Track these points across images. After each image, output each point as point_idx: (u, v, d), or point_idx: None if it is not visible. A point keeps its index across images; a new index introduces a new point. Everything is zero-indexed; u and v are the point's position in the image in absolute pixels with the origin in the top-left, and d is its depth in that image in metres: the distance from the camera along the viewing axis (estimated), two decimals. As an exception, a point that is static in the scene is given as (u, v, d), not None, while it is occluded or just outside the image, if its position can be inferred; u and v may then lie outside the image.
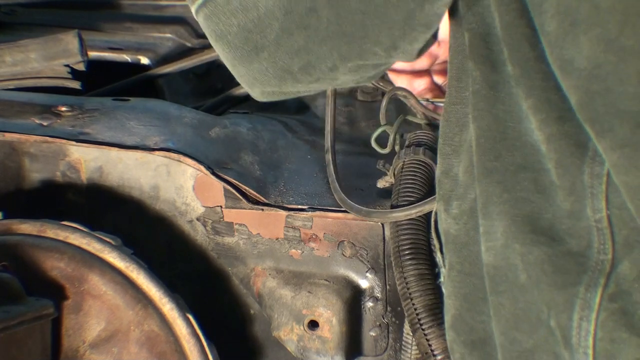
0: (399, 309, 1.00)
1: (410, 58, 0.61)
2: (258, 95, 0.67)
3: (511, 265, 0.58)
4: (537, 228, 0.56)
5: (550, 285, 0.56)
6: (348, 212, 0.96)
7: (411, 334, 0.89)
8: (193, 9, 0.60)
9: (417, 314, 0.85)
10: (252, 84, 0.65)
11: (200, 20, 0.60)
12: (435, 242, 0.76)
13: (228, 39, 0.59)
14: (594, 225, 0.54)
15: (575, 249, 0.55)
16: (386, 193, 0.98)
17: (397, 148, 0.95)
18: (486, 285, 0.62)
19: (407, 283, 0.86)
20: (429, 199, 0.87)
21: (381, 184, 0.98)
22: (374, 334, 1.02)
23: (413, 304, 0.85)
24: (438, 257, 0.74)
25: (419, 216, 0.88)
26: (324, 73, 0.60)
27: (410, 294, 0.86)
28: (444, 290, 0.72)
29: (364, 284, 1.00)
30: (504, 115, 0.57)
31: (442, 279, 0.74)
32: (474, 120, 0.59)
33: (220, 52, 0.62)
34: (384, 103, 0.98)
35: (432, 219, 0.77)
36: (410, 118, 0.97)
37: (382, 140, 0.96)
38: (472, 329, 0.66)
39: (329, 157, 1.00)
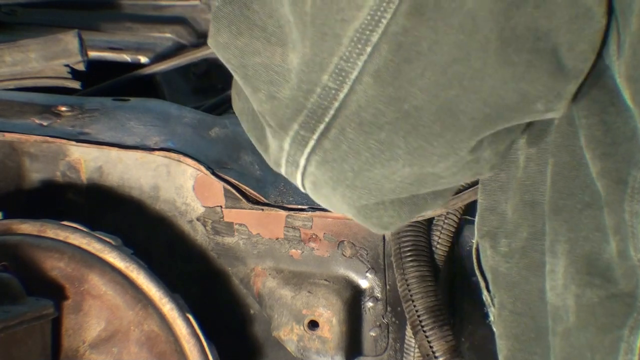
0: (399, 309, 1.00)
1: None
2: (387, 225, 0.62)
3: (567, 306, 0.57)
4: (593, 269, 0.55)
5: (598, 328, 0.55)
6: (348, 212, 0.96)
7: (413, 336, 0.89)
8: (302, 161, 0.55)
9: (419, 316, 0.85)
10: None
11: (312, 170, 0.55)
12: (480, 279, 0.73)
13: (346, 184, 0.55)
14: (638, 265, 0.53)
15: (625, 289, 0.54)
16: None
17: None
18: (548, 325, 0.61)
19: (408, 285, 0.86)
20: None
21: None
22: (374, 334, 1.02)
23: (414, 306, 0.85)
24: (485, 295, 0.72)
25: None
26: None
27: (411, 295, 0.86)
28: (494, 329, 0.70)
29: (364, 284, 1.00)
30: (580, 151, 0.56)
31: (491, 318, 0.71)
32: (552, 156, 0.58)
33: (340, 197, 0.57)
34: None
35: (474, 255, 0.75)
36: None
37: None
38: None
39: None
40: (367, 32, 0.48)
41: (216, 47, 0.58)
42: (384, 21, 0.47)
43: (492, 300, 0.70)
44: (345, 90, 0.51)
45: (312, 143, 0.53)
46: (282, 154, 0.56)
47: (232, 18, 0.56)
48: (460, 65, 0.48)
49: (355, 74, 0.50)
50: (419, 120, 0.51)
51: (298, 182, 0.57)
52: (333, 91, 0.51)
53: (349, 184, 0.54)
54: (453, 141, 0.52)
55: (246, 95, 0.60)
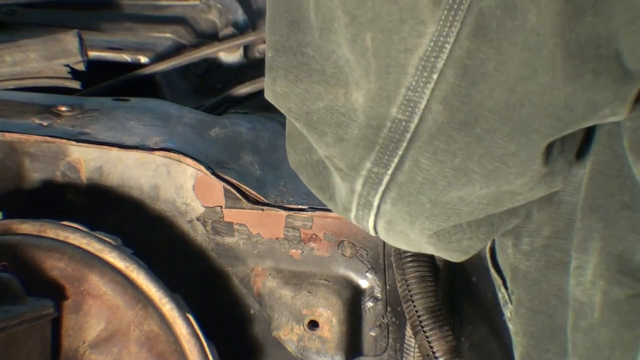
0: (399, 309, 1.00)
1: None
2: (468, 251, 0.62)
3: (593, 302, 0.57)
4: (624, 268, 0.55)
5: (620, 325, 0.55)
6: (348, 212, 0.96)
7: (413, 336, 0.89)
8: (376, 201, 0.54)
9: (419, 316, 0.85)
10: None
11: (387, 208, 0.55)
12: (495, 277, 0.73)
13: (425, 216, 0.55)
14: None
15: None
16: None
17: None
18: (564, 323, 0.61)
19: (408, 285, 0.86)
20: None
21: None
22: (374, 334, 1.02)
23: (414, 306, 0.85)
24: (502, 292, 0.72)
25: None
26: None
27: (411, 296, 0.86)
28: (510, 326, 0.70)
29: (364, 284, 1.00)
30: (623, 152, 0.55)
31: (508, 315, 0.71)
32: (593, 154, 0.58)
33: (418, 230, 0.56)
34: None
35: (488, 254, 0.74)
36: None
37: None
38: None
39: None
40: (432, 59, 0.48)
41: (275, 98, 0.58)
42: (448, 46, 0.47)
43: (509, 297, 0.70)
44: (416, 120, 0.50)
45: (386, 179, 0.53)
46: (352, 197, 0.56)
47: (288, 66, 0.56)
48: (529, 83, 0.48)
49: (424, 103, 0.50)
50: (492, 143, 0.50)
51: (370, 225, 0.56)
52: (403, 123, 0.51)
53: (427, 215, 0.54)
54: (528, 159, 0.52)
55: (303, 147, 0.60)
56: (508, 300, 0.71)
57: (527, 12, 0.46)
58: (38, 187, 1.06)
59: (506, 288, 0.71)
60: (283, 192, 1.00)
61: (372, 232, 0.58)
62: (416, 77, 0.49)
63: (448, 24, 0.46)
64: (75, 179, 1.06)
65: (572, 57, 0.47)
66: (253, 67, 1.35)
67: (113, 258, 0.93)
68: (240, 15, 1.36)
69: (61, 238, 0.93)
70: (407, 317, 0.87)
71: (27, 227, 0.94)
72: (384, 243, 0.99)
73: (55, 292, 0.91)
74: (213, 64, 1.34)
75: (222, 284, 1.06)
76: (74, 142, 0.98)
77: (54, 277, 0.92)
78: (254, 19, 1.39)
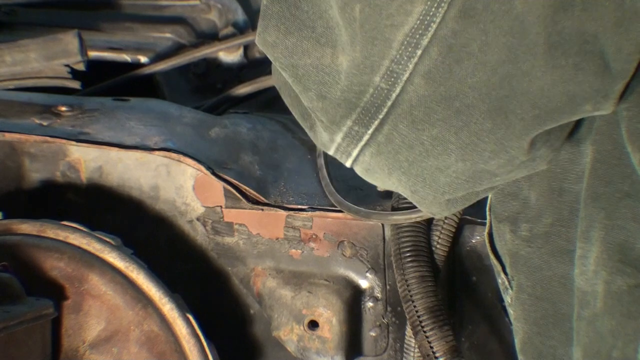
0: (399, 309, 1.00)
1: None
2: (443, 209, 0.63)
3: (595, 292, 0.58)
4: (626, 258, 0.56)
5: (623, 315, 0.56)
6: (348, 212, 0.96)
7: (413, 336, 0.89)
8: (355, 152, 0.57)
9: (419, 316, 0.85)
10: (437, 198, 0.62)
11: (365, 159, 0.58)
12: (494, 262, 0.73)
13: (401, 171, 0.57)
14: None
15: None
16: (386, 193, 0.98)
17: None
18: (568, 311, 0.61)
19: (408, 285, 0.86)
20: None
21: (382, 187, 0.98)
22: (374, 334, 1.02)
23: (414, 306, 0.85)
24: (502, 278, 0.73)
25: None
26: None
27: (411, 296, 0.86)
28: (511, 312, 0.71)
29: (364, 284, 1.00)
30: (622, 141, 0.56)
31: (508, 301, 0.72)
32: (594, 143, 0.59)
33: (396, 181, 0.59)
34: None
35: (487, 239, 0.75)
36: None
37: None
38: (541, 353, 0.65)
39: (321, 161, 1.01)
40: (417, 36, 0.49)
41: (264, 45, 0.59)
42: (434, 25, 0.48)
43: (509, 282, 0.71)
44: (397, 90, 0.52)
45: (366, 137, 0.56)
46: (332, 144, 0.58)
47: (281, 17, 0.57)
48: (510, 67, 0.49)
49: (406, 75, 0.51)
50: (470, 117, 0.52)
51: (348, 165, 0.59)
52: (385, 91, 0.53)
53: (404, 171, 0.57)
54: (503, 139, 0.53)
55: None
56: (508, 286, 0.72)
57: None
58: (38, 187, 1.06)
59: (505, 274, 0.71)
60: (283, 192, 1.00)
61: (347, 167, 0.61)
62: (400, 52, 0.50)
63: (435, 5, 0.48)
64: (75, 179, 1.06)
65: (554, 48, 0.49)
66: (253, 67, 1.35)
67: (113, 258, 0.93)
68: (240, 15, 1.37)
69: (61, 238, 0.93)
70: (407, 317, 0.87)
71: (27, 227, 0.94)
72: (384, 243, 0.99)
73: (55, 292, 0.91)
74: (213, 64, 1.34)
75: (222, 284, 1.06)
76: (74, 142, 0.98)
77: (54, 277, 0.92)
78: (254, 19, 1.39)
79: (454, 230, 0.91)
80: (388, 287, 1.00)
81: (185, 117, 1.06)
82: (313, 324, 0.99)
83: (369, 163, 0.58)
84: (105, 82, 1.23)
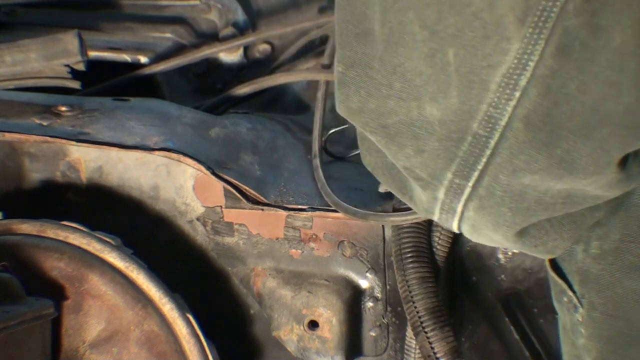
0: (399, 309, 1.00)
1: None
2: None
3: None
4: None
5: None
6: (348, 212, 0.96)
7: (414, 337, 0.89)
8: (459, 208, 0.56)
9: (420, 317, 0.85)
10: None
11: (470, 215, 0.56)
12: (557, 280, 0.72)
13: (506, 225, 0.56)
14: None
15: None
16: (387, 194, 0.98)
17: None
18: None
19: (409, 286, 0.86)
20: None
21: (383, 188, 0.97)
22: (374, 334, 1.02)
23: (415, 307, 0.85)
24: (568, 295, 0.71)
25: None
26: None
27: (412, 297, 0.86)
28: (582, 330, 0.69)
29: (364, 284, 1.00)
30: None
31: (579, 319, 0.70)
32: None
33: (501, 236, 0.57)
34: None
35: (547, 260, 0.74)
36: None
37: None
38: None
39: (316, 162, 1.01)
40: (515, 77, 0.48)
41: (349, 113, 0.58)
42: (532, 64, 0.47)
43: (579, 300, 0.69)
44: (496, 137, 0.51)
45: (467, 190, 0.54)
46: (435, 204, 0.57)
47: (358, 82, 0.56)
48: (611, 103, 0.48)
49: (505, 120, 0.50)
50: (572, 164, 0.51)
51: (454, 227, 0.57)
52: (484, 139, 0.51)
53: (508, 224, 0.55)
54: (606, 172, 0.52)
55: (377, 149, 0.60)
56: (578, 304, 0.69)
57: (612, 31, 0.45)
58: (38, 187, 1.06)
59: (573, 292, 0.69)
60: (283, 192, 1.00)
61: (456, 231, 0.59)
62: (498, 94, 0.49)
63: (532, 42, 0.46)
64: (75, 179, 1.06)
65: None
66: (253, 67, 1.35)
67: (113, 258, 0.93)
68: (240, 15, 1.36)
69: (61, 238, 0.93)
70: (408, 318, 0.87)
71: (27, 227, 0.94)
72: (384, 243, 0.99)
73: (55, 292, 0.91)
74: (213, 64, 1.34)
75: (222, 284, 1.06)
76: (74, 142, 0.98)
77: (54, 277, 0.92)
78: (254, 19, 1.39)
79: (454, 230, 0.91)
80: (388, 287, 1.00)
81: (185, 117, 1.06)
82: (313, 324, 0.99)
83: (474, 219, 0.56)
84: (106, 82, 1.23)
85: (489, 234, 0.57)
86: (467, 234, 0.59)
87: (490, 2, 0.47)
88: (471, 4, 0.47)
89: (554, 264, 0.72)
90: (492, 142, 0.51)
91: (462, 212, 0.56)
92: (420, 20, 0.50)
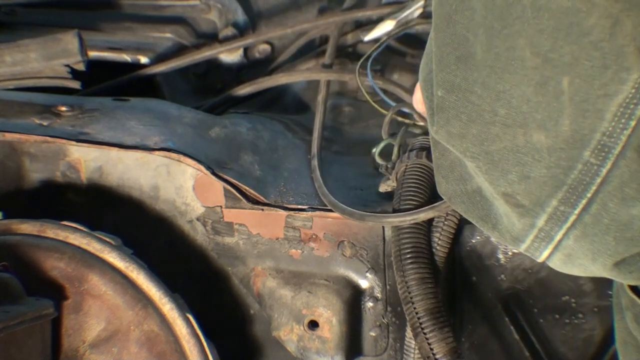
0: (399, 308, 1.00)
1: None
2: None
3: None
4: None
5: None
6: (348, 212, 0.96)
7: (413, 338, 0.89)
8: (558, 236, 0.55)
9: (419, 318, 0.85)
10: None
11: (569, 244, 0.56)
12: (633, 297, 0.69)
13: (608, 254, 0.55)
14: None
15: None
16: (387, 194, 0.98)
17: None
18: None
19: (408, 287, 0.86)
20: (424, 209, 0.87)
21: (383, 187, 0.97)
22: (374, 334, 1.02)
23: (414, 308, 0.85)
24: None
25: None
26: None
27: (411, 298, 0.86)
28: None
29: (364, 284, 1.00)
30: None
31: None
32: None
33: (600, 266, 0.57)
34: (387, 118, 0.98)
35: (628, 286, 0.74)
36: (412, 129, 0.97)
37: (385, 154, 0.96)
38: None
39: (314, 162, 1.01)
40: (632, 106, 0.48)
41: (449, 138, 0.58)
42: None
43: None
44: (608, 165, 0.51)
45: (572, 218, 0.54)
46: (530, 232, 0.56)
47: (459, 106, 0.56)
48: None
49: (618, 149, 0.50)
50: None
51: (544, 256, 0.57)
52: (595, 167, 0.51)
53: (610, 252, 0.55)
54: None
55: (455, 177, 0.60)
56: None
57: None
58: (38, 187, 1.07)
59: None
60: (283, 192, 1.00)
61: (540, 260, 0.58)
62: (613, 123, 0.49)
63: None
64: (75, 179, 1.06)
65: None
66: (253, 68, 1.35)
67: (113, 258, 0.93)
68: (240, 16, 1.37)
69: (61, 238, 0.93)
70: (408, 319, 0.87)
71: (27, 227, 0.94)
72: (384, 243, 0.99)
73: (55, 292, 0.91)
74: (213, 65, 1.34)
75: (222, 284, 1.06)
76: (74, 142, 0.98)
77: (54, 277, 0.92)
78: (254, 19, 1.39)
79: (454, 231, 0.91)
80: (388, 287, 1.00)
81: (185, 117, 1.06)
82: (313, 324, 0.99)
83: (572, 248, 0.55)
84: (106, 83, 1.23)
85: (585, 263, 0.57)
86: (558, 263, 0.58)
87: (611, 32, 0.47)
88: (590, 34, 0.47)
89: (634, 286, 0.71)
90: (604, 171, 0.51)
91: (560, 241, 0.56)
92: (532, 47, 0.50)
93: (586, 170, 0.52)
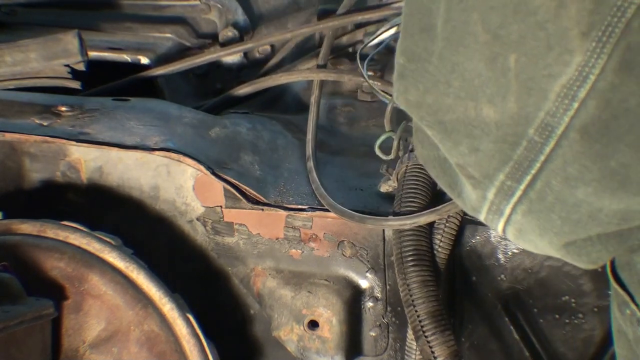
0: (399, 309, 1.00)
1: None
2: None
3: None
4: None
5: None
6: (348, 212, 0.96)
7: (414, 340, 0.88)
8: (507, 210, 0.56)
9: (420, 321, 0.85)
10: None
11: (518, 218, 0.57)
12: (620, 292, 0.70)
13: (553, 231, 0.56)
14: None
15: None
16: (387, 194, 0.98)
17: (400, 154, 0.95)
18: None
19: (409, 290, 0.86)
20: (425, 212, 0.87)
21: (384, 188, 0.97)
22: (374, 334, 1.02)
23: (416, 311, 0.85)
24: (631, 308, 0.71)
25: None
26: None
27: (413, 300, 0.85)
28: None
29: (364, 284, 1.00)
30: None
31: None
32: None
33: (547, 243, 0.58)
34: (388, 109, 0.98)
35: (609, 268, 0.74)
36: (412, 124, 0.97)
37: (385, 147, 0.96)
38: None
39: (310, 164, 1.01)
40: (575, 88, 0.48)
41: (407, 105, 0.59)
42: (592, 77, 0.48)
43: None
44: (551, 144, 0.51)
45: (518, 193, 0.55)
46: (483, 203, 0.57)
47: (417, 76, 0.57)
48: None
49: (561, 129, 0.50)
50: (626, 178, 0.51)
51: (499, 229, 0.58)
52: (539, 145, 0.52)
53: (556, 231, 0.55)
54: None
55: (430, 143, 0.61)
56: None
57: None
58: (38, 187, 1.06)
59: (636, 304, 0.69)
60: (283, 192, 1.00)
61: (500, 234, 0.59)
62: (556, 104, 0.50)
63: (595, 56, 0.47)
64: (75, 179, 1.06)
65: None
66: (253, 68, 1.35)
67: (113, 258, 0.93)
68: (240, 16, 1.36)
69: (61, 238, 0.93)
70: (409, 321, 0.87)
71: (27, 227, 0.94)
72: (384, 243, 0.98)
73: (55, 292, 0.91)
74: (213, 65, 1.34)
75: (222, 284, 1.06)
76: (74, 142, 0.98)
77: (54, 277, 0.92)
78: (254, 20, 1.39)
79: (455, 233, 0.91)
80: (388, 287, 1.00)
81: (185, 117, 1.06)
82: (313, 324, 0.99)
83: (521, 223, 0.56)
84: (108, 84, 1.23)
85: (534, 239, 0.58)
86: (512, 237, 0.59)
87: (555, 13, 0.47)
88: (536, 13, 0.48)
89: (615, 274, 0.72)
90: (547, 149, 0.52)
91: (510, 215, 0.56)
92: (483, 23, 0.51)
93: (530, 147, 0.52)
